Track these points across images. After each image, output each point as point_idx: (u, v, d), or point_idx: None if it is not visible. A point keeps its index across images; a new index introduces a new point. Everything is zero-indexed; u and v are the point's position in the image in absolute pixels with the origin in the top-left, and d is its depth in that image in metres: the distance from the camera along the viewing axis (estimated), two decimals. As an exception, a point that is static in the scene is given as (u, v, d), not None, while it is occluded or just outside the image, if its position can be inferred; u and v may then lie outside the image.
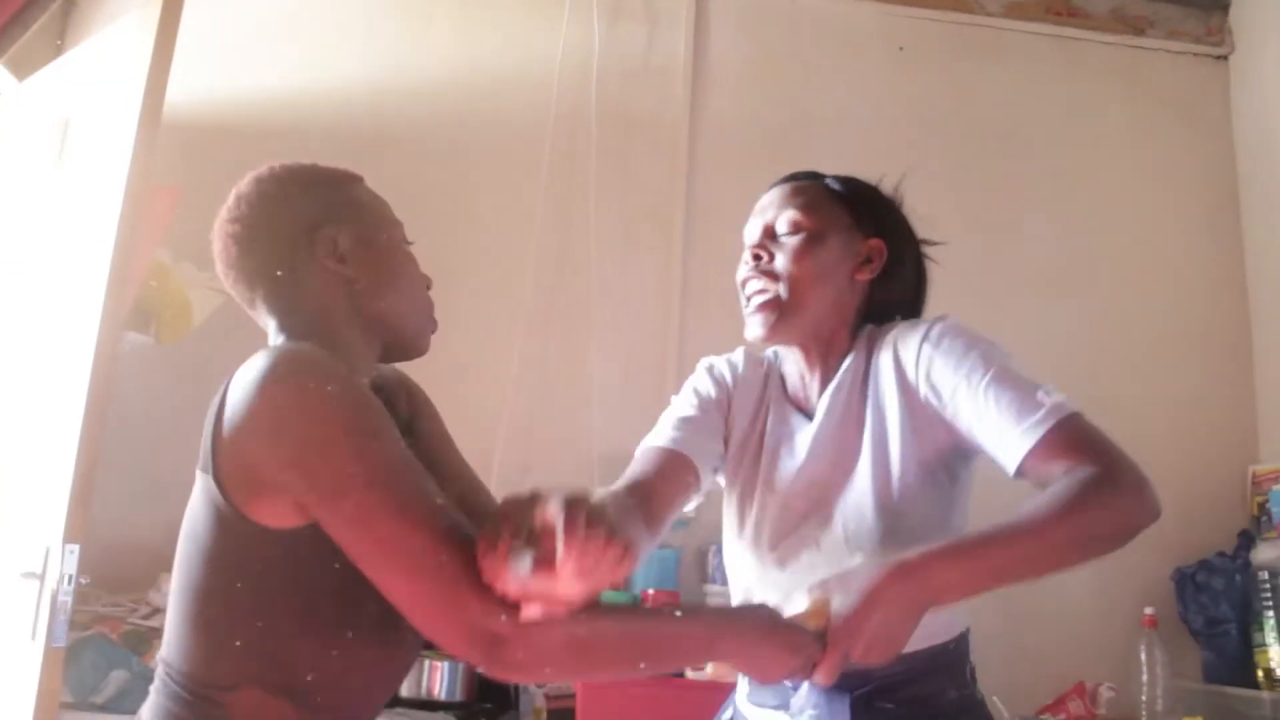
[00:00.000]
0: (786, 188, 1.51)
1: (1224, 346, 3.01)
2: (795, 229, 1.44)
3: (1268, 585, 2.48)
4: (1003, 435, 1.23)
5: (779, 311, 1.41)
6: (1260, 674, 2.45)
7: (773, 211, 1.48)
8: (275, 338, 1.24)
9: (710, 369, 1.57)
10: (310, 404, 1.03)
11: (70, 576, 1.85)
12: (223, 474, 1.06)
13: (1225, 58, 3.23)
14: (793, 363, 1.48)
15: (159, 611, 2.24)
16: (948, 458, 1.33)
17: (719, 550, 2.47)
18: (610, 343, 2.77)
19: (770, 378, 1.53)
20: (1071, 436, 1.20)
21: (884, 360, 1.38)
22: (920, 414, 1.32)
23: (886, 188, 1.57)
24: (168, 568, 2.33)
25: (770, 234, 1.47)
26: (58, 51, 2.70)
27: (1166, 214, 3.10)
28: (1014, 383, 1.26)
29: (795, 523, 1.38)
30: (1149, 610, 2.54)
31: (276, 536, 1.06)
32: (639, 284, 2.85)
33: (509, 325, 2.71)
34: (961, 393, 1.27)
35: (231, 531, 1.06)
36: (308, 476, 1.01)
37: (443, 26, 3.00)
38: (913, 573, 1.12)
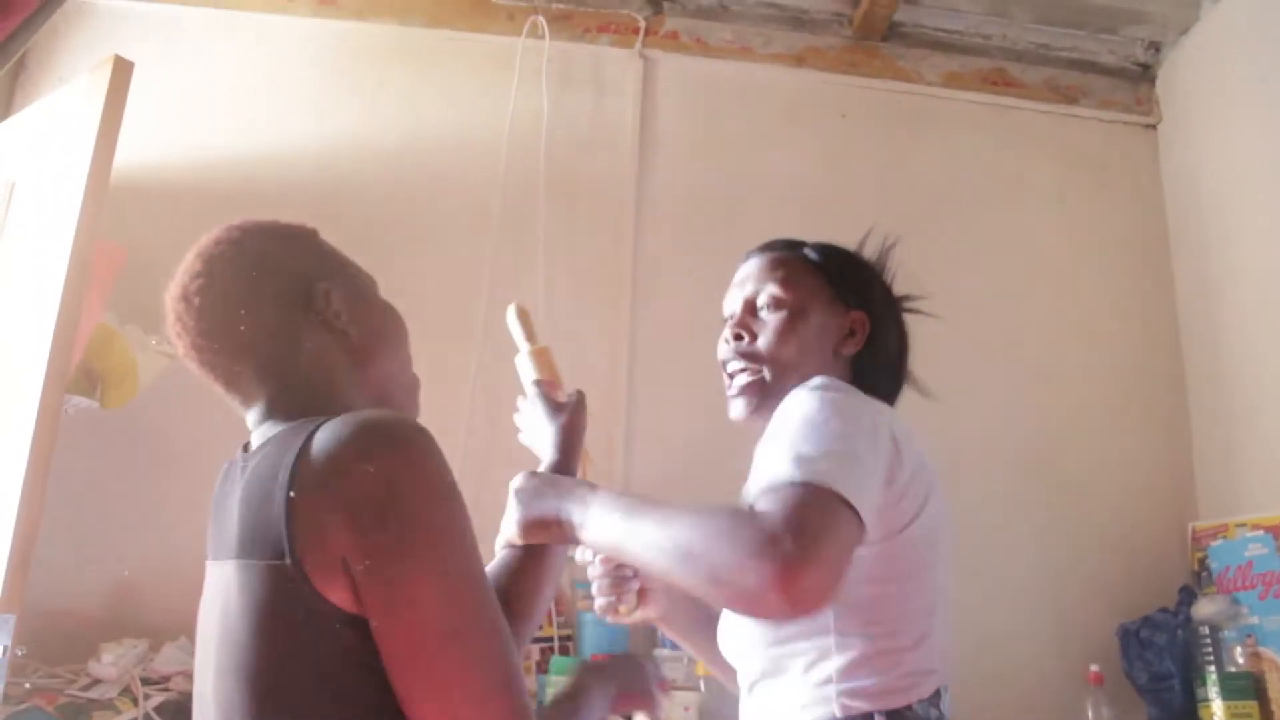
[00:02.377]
0: (765, 259, 1.48)
1: (1160, 406, 3.07)
2: (777, 305, 1.41)
3: (1208, 640, 2.52)
4: (754, 484, 1.11)
5: (762, 394, 1.37)
6: (1204, 729, 2.48)
7: (752, 285, 1.45)
8: (269, 414, 1.11)
9: None
10: (427, 480, 0.97)
11: (4, 647, 1.80)
12: (301, 553, 0.92)
13: (1154, 126, 3.34)
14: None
15: (99, 682, 2.19)
16: None
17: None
18: (560, 404, 2.77)
19: None
20: (786, 494, 1.02)
21: None
22: None
23: (870, 250, 1.55)
24: (109, 637, 2.30)
25: (751, 309, 1.44)
26: (6, 113, 2.70)
27: (1100, 277, 3.18)
28: (793, 444, 1.10)
29: None
30: (1094, 667, 2.56)
31: (355, 620, 0.94)
32: (589, 348, 2.86)
33: (459, 389, 2.71)
34: (763, 447, 1.18)
35: (313, 618, 0.93)
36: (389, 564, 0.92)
37: (392, 91, 3.03)
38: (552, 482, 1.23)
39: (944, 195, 3.18)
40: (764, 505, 1.00)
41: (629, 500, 1.13)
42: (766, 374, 1.38)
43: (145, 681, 2.21)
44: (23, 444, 1.90)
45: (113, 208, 2.15)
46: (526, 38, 3.05)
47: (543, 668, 2.49)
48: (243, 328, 1.09)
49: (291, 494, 0.94)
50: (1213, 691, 2.46)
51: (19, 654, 1.85)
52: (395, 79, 3.04)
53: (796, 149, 3.16)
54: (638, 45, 3.14)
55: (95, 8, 2.98)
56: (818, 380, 1.25)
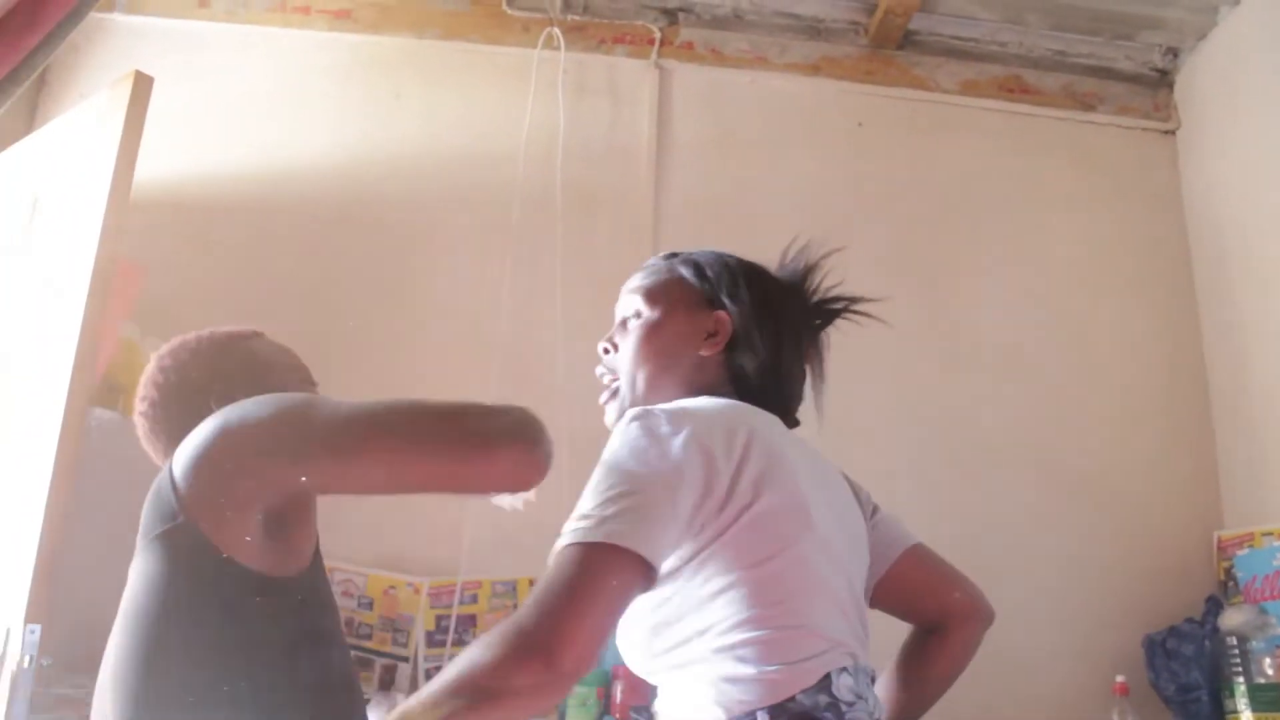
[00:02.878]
0: (638, 274, 1.53)
1: (1184, 414, 3.05)
2: (636, 315, 1.47)
3: (1236, 651, 2.49)
4: None
5: (618, 405, 1.44)
6: (1233, 739, 2.45)
7: (623, 301, 1.51)
8: None
9: None
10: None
11: (31, 658, 1.81)
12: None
13: (1173, 132, 3.33)
14: None
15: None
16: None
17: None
18: (579, 415, 2.76)
19: None
20: (548, 567, 1.09)
21: None
22: None
23: (786, 253, 1.58)
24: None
25: (622, 323, 1.50)
26: (29, 128, 2.72)
27: (1121, 285, 3.16)
28: (584, 494, 1.16)
29: None
30: (1120, 678, 2.54)
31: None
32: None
33: (477, 399, 2.70)
34: None
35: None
36: None
37: (409, 103, 3.04)
38: None
39: (961, 203, 3.17)
40: (534, 612, 1.04)
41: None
42: (622, 383, 1.44)
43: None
44: (47, 456, 1.91)
45: (134, 221, 2.16)
46: (542, 49, 3.06)
47: (564, 679, 2.48)
48: (163, 437, 1.45)
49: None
50: (1241, 703, 2.43)
51: (45, 664, 1.85)
52: (412, 91, 3.05)
53: (813, 158, 3.16)
54: (653, 56, 3.15)
55: (115, 24, 3.00)
56: (632, 411, 1.25)
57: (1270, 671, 2.44)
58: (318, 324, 2.54)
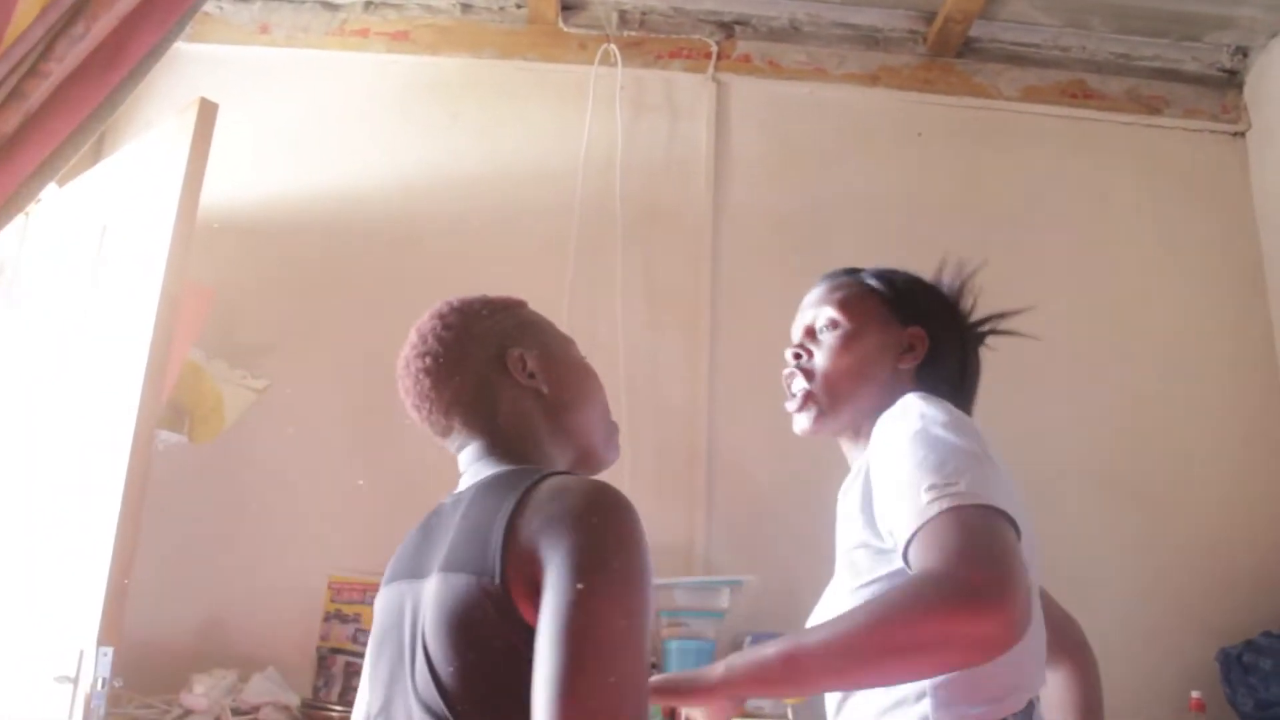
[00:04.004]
0: (825, 286, 1.57)
1: (1259, 422, 2.97)
2: (833, 326, 1.49)
3: (1317, 665, 2.42)
4: (895, 528, 1.15)
5: (815, 407, 1.47)
6: (1317, 759, 2.37)
7: (811, 311, 1.54)
8: (479, 458, 1.29)
9: None
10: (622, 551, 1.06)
11: (104, 680, 1.84)
12: (509, 576, 1.06)
13: (1243, 134, 3.25)
14: (845, 451, 1.53)
15: (190, 713, 2.22)
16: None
17: (754, 640, 2.44)
18: (641, 433, 2.77)
19: None
20: (938, 529, 1.06)
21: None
22: (871, 497, 1.28)
23: (949, 274, 1.61)
24: (200, 668, 2.34)
25: (811, 333, 1.53)
26: (96, 158, 2.78)
27: (1192, 291, 3.09)
28: (915, 466, 1.15)
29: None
30: (1195, 694, 2.48)
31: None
32: (667, 373, 2.85)
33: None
34: (879, 475, 1.23)
35: (504, 628, 1.06)
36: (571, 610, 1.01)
37: (467, 124, 3.06)
38: (716, 687, 1.20)
39: (1025, 212, 3.12)
40: (929, 559, 1.04)
41: (785, 641, 1.15)
42: (817, 388, 1.47)
43: (235, 712, 2.24)
44: (117, 479, 1.94)
45: (199, 246, 2.20)
46: (599, 66, 3.07)
47: (627, 697, 2.47)
48: (448, 390, 1.30)
49: (511, 524, 1.07)
50: (1325, 720, 2.36)
51: (117, 685, 1.88)
52: (470, 111, 3.08)
53: (873, 169, 3.13)
54: (710, 69, 3.14)
55: (179, 52, 3.05)
56: (908, 399, 1.28)
57: (1354, 687, 2.36)
58: (382, 345, 2.55)
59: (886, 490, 1.18)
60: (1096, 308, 3.03)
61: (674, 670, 2.39)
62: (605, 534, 1.06)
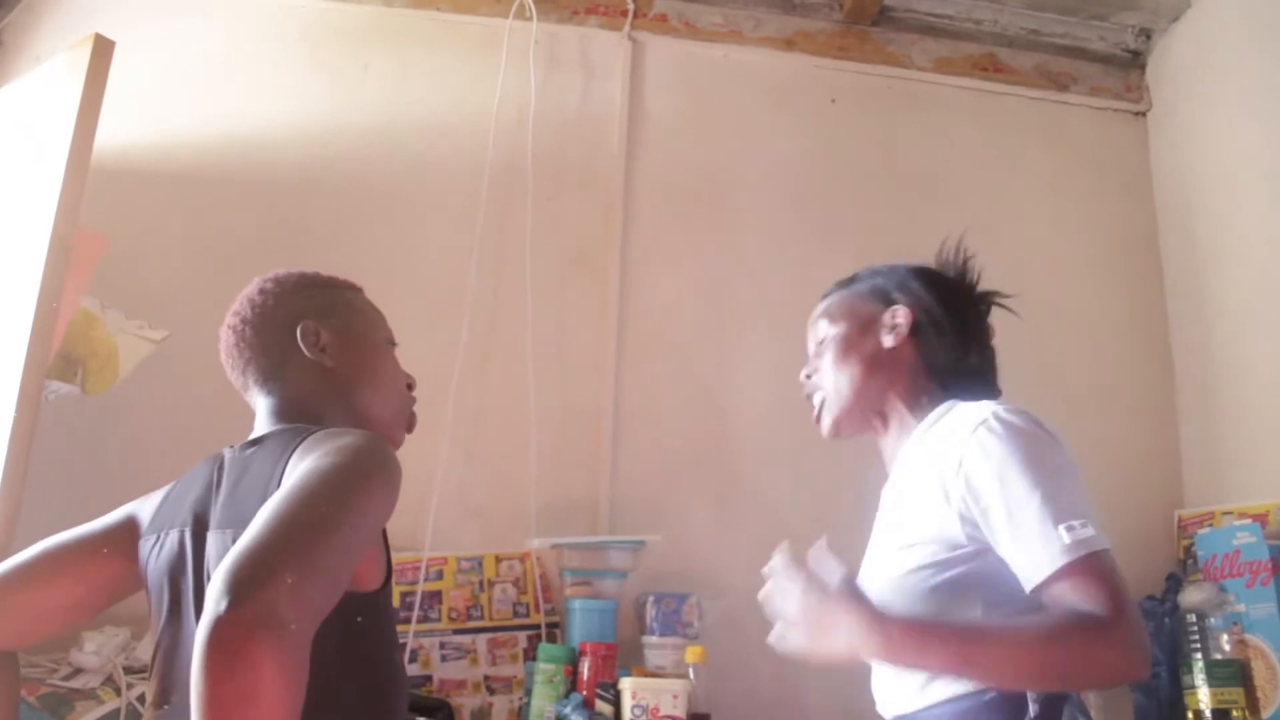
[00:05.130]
0: (817, 306, 1.72)
1: (1148, 394, 3.08)
2: (824, 337, 1.64)
3: (1195, 628, 2.52)
4: (1020, 557, 1.28)
5: (829, 414, 1.61)
6: (1190, 715, 2.48)
7: (810, 331, 1.70)
8: (266, 416, 1.41)
9: None
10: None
11: (-14, 636, 1.78)
12: None
13: (1144, 114, 3.34)
14: (881, 445, 1.64)
15: (81, 672, 2.16)
16: (969, 545, 1.36)
17: (657, 601, 2.46)
18: (547, 391, 2.76)
19: None
20: (1089, 573, 1.23)
21: (936, 438, 1.47)
22: (952, 498, 1.37)
23: (942, 250, 1.74)
24: (90, 626, 2.27)
25: (816, 351, 1.67)
26: (-18, 94, 2.65)
27: (1090, 265, 3.18)
28: (1046, 504, 1.28)
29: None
30: (1081, 655, 2.56)
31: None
32: (575, 331, 2.84)
33: (444, 374, 2.68)
34: (994, 504, 1.31)
35: None
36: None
37: (378, 74, 2.99)
38: (875, 622, 1.26)
39: (934, 181, 3.16)
40: (1085, 603, 1.22)
41: (950, 629, 1.29)
42: (827, 397, 1.61)
43: (128, 670, 2.18)
44: (2, 430, 1.87)
45: (93, 190, 2.12)
46: (513, 20, 3.01)
47: (530, 654, 2.48)
48: (248, 351, 1.43)
49: (283, 477, 1.15)
50: (1199, 678, 2.46)
51: (0, 643, 1.82)
52: (379, 60, 3.00)
53: (786, 133, 3.14)
54: (626, 27, 3.11)
55: (74, -15, 2.93)
56: (990, 418, 1.38)
57: (1227, 647, 2.47)
58: (282, 296, 2.50)
59: (1014, 510, 1.29)
60: (999, 276, 3.06)
61: (577, 627, 2.41)
62: (353, 453, 1.13)
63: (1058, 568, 1.23)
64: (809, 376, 1.66)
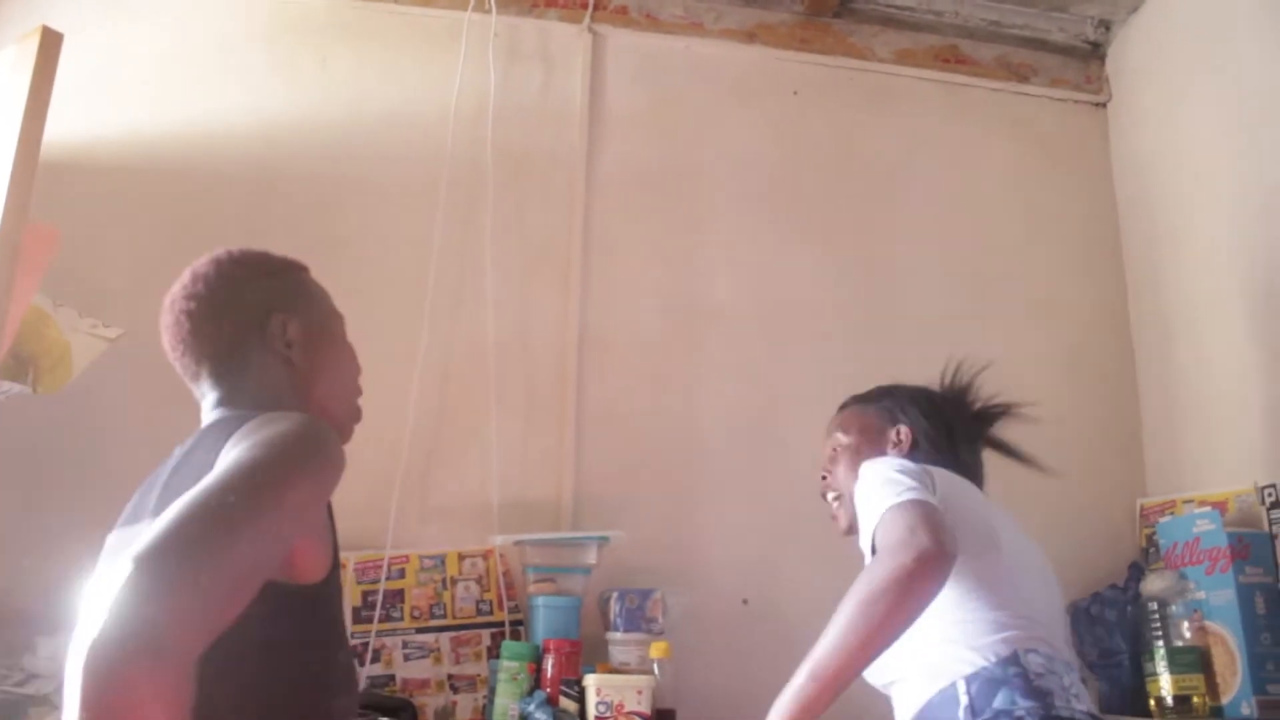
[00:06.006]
0: (834, 417, 2.09)
1: (1109, 384, 3.10)
2: (840, 445, 2.01)
3: (1156, 615, 2.54)
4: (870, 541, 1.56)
5: (845, 512, 1.94)
6: (1152, 703, 2.50)
7: (828, 438, 2.06)
8: (214, 408, 1.35)
9: None
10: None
11: (-66, 641, 1.75)
12: None
13: (1104, 105, 3.36)
14: None
15: (34, 678, 2.13)
16: None
17: (620, 597, 2.45)
18: (509, 387, 2.74)
19: None
20: (885, 524, 1.50)
21: None
22: None
23: (945, 371, 2.11)
24: (44, 631, 2.23)
25: (831, 456, 2.02)
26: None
27: (1052, 255, 3.19)
28: (875, 498, 1.57)
29: None
30: (1045, 644, 2.57)
31: None
32: (537, 326, 2.82)
33: (405, 370, 2.66)
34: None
35: None
36: None
37: (336, 66, 2.95)
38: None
39: (896, 173, 3.17)
40: (884, 537, 1.47)
41: (804, 667, 1.45)
42: (844, 496, 1.94)
43: (83, 674, 2.14)
44: (-51, 432, 1.83)
45: (43, 186, 2.07)
46: (472, 12, 2.99)
47: (494, 652, 2.46)
48: (205, 338, 1.34)
49: (215, 461, 1.11)
50: (1160, 665, 2.48)
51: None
52: (337, 53, 2.96)
53: (748, 126, 3.13)
54: (586, 20, 3.09)
55: (23, -23, 2.87)
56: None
57: (1188, 634, 2.49)
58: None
59: (865, 514, 1.60)
60: (961, 268, 3.11)
61: (540, 624, 2.39)
62: (283, 441, 1.09)
63: (873, 529, 1.53)
64: (824, 478, 2.01)
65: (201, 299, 1.35)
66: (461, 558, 2.56)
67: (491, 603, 2.54)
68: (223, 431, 1.17)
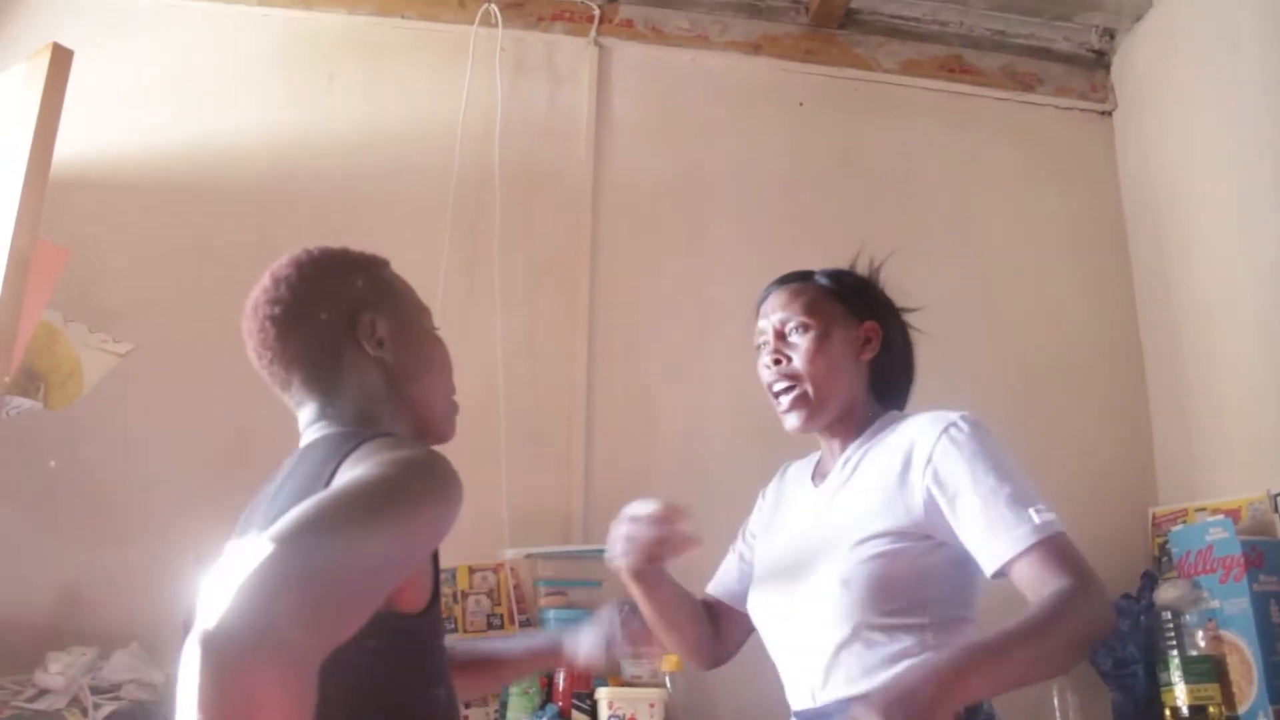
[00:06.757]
0: (785, 291, 1.71)
1: (1120, 392, 3.09)
2: (804, 329, 1.64)
3: (1170, 625, 2.52)
4: (990, 538, 1.39)
5: (808, 406, 1.62)
6: (1167, 713, 2.48)
7: (779, 315, 1.68)
8: (315, 420, 1.28)
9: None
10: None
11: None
12: None
13: (1109, 114, 3.36)
14: (824, 443, 1.70)
15: (46, 693, 2.12)
16: (928, 537, 1.47)
17: (632, 610, 2.44)
18: (518, 399, 2.74)
19: (787, 471, 1.87)
20: (1056, 548, 1.35)
21: (894, 439, 1.56)
22: (916, 492, 1.47)
23: (865, 266, 1.80)
24: (55, 646, 2.23)
25: (781, 336, 1.66)
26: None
27: (1059, 264, 3.19)
28: (1012, 494, 1.40)
29: (779, 577, 1.66)
30: (1058, 654, 2.56)
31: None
32: (546, 339, 2.82)
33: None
34: (964, 491, 1.43)
35: None
36: None
37: (344, 82, 2.96)
38: (949, 684, 1.23)
39: (902, 183, 3.17)
40: (1059, 578, 1.33)
41: (983, 664, 1.29)
42: (808, 389, 1.61)
43: (95, 690, 2.15)
44: (-39, 448, 1.84)
45: (54, 202, 2.08)
46: (479, 26, 3.00)
47: (506, 666, 2.45)
48: (294, 344, 1.27)
49: (332, 475, 1.07)
50: (1175, 675, 2.46)
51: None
52: (345, 68, 2.98)
53: (754, 137, 3.14)
54: (592, 33, 3.10)
55: (33, -4, 2.89)
56: (958, 420, 1.52)
57: (1203, 644, 2.48)
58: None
59: (982, 500, 1.41)
60: (967, 277, 3.10)
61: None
62: (408, 467, 1.05)
63: (1030, 544, 1.35)
64: (777, 363, 1.65)
65: (285, 303, 1.27)
66: (472, 571, 2.56)
67: (503, 616, 2.53)
68: (337, 447, 1.12)
